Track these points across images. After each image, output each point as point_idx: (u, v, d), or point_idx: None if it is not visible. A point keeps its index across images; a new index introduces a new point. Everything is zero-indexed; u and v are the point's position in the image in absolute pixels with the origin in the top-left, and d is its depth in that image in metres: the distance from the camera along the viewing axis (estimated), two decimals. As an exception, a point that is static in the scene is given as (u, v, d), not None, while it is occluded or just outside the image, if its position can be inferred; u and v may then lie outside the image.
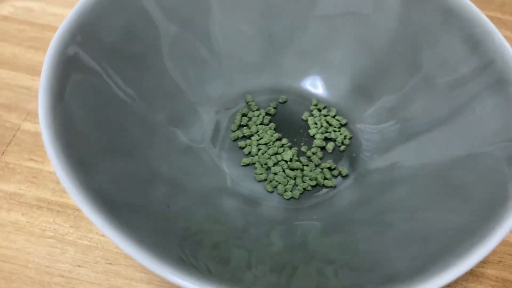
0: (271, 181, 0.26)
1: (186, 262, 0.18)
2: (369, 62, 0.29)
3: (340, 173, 0.27)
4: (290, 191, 0.26)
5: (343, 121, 0.28)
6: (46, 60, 0.21)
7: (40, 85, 0.20)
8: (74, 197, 0.18)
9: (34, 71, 0.30)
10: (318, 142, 0.28)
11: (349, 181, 0.26)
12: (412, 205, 0.22)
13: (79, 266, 0.24)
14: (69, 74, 0.21)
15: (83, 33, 0.22)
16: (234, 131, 0.28)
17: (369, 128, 0.27)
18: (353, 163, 0.27)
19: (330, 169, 0.27)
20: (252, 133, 0.28)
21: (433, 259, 0.18)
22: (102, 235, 0.25)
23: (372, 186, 0.25)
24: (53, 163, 0.18)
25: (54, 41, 0.22)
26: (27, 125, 0.28)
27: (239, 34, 0.29)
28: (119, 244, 0.17)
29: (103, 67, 0.23)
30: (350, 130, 0.28)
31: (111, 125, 0.23)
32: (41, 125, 0.19)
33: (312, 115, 0.29)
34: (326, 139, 0.28)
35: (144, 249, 0.17)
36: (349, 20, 0.29)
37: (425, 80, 0.26)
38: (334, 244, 0.22)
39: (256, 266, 0.20)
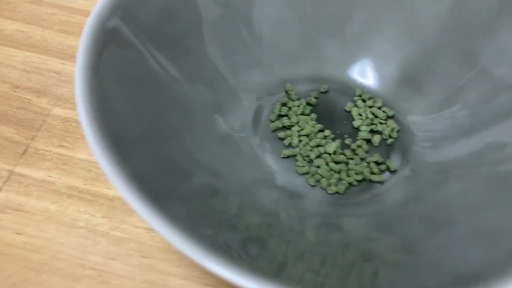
0: (313, 175, 0.25)
1: (230, 253, 0.17)
2: (418, 51, 0.27)
3: (388, 168, 0.25)
4: (335, 186, 0.24)
5: (390, 113, 0.27)
6: (85, 31, 0.20)
7: (77, 60, 0.19)
8: (117, 185, 0.16)
9: (64, 55, 0.29)
10: (363, 134, 0.26)
11: (398, 176, 0.24)
12: (473, 202, 0.21)
13: (112, 258, 0.22)
14: (109, 47, 0.20)
15: (125, 8, 0.21)
16: (273, 121, 0.26)
17: (423, 119, 0.26)
18: (402, 157, 0.25)
19: (377, 163, 0.25)
20: (293, 123, 0.26)
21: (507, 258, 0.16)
22: (136, 227, 0.23)
23: (425, 181, 0.23)
24: (93, 147, 0.17)
25: (94, 12, 0.20)
26: (57, 111, 0.27)
27: (280, 19, 0.27)
28: (166, 235, 0.15)
29: (144, 45, 0.22)
30: (398, 122, 0.27)
31: (149, 108, 0.22)
32: (78, 104, 0.18)
33: (356, 106, 0.27)
34: (372, 132, 0.27)
35: (190, 239, 0.15)
36: (396, 6, 0.27)
37: (481, 71, 0.25)
38: (386, 242, 0.21)
39: (295, 262, 0.19)
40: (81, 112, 0.17)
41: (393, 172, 0.25)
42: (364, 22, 0.27)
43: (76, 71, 0.19)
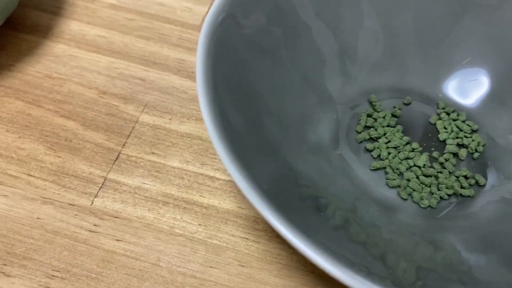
0: (405, 188, 0.25)
1: (352, 263, 0.17)
2: (504, 67, 0.27)
3: (476, 182, 0.25)
4: (427, 199, 0.24)
5: (474, 127, 0.27)
6: (200, 44, 0.20)
7: (197, 76, 0.19)
8: (252, 199, 0.16)
9: (147, 62, 0.30)
10: (451, 148, 0.26)
11: (488, 190, 0.25)
12: None
13: (211, 267, 0.23)
14: (220, 58, 0.21)
15: (232, 18, 0.21)
16: (360, 132, 0.27)
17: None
18: (488, 171, 0.25)
19: (466, 177, 0.25)
20: (380, 135, 0.26)
21: None
22: (232, 235, 0.24)
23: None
24: (225, 163, 0.17)
25: (206, 26, 0.21)
26: (145, 117, 0.27)
27: (368, 30, 0.27)
28: (299, 246, 0.16)
29: (247, 55, 0.22)
30: (484, 136, 0.27)
31: (252, 120, 0.22)
32: (205, 120, 0.18)
33: (440, 118, 0.27)
34: (458, 145, 0.27)
35: (329, 256, 0.16)
36: (483, 21, 0.27)
37: None
38: (490, 259, 0.21)
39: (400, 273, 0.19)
40: (209, 129, 0.18)
41: (482, 186, 0.25)
42: (451, 36, 0.27)
43: (198, 88, 0.19)
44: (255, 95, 0.23)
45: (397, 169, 0.25)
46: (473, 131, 0.27)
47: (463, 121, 0.27)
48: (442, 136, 0.27)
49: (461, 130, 0.27)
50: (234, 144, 0.18)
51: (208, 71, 0.20)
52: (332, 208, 0.21)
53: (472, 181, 0.25)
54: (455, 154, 0.26)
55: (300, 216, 0.19)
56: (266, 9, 0.23)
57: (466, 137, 0.27)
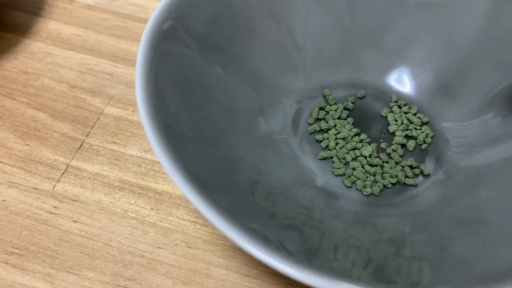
0: (349, 176, 0.26)
1: (270, 242, 0.18)
2: (453, 60, 0.28)
3: (421, 172, 0.26)
4: (370, 187, 0.25)
5: (425, 119, 0.28)
6: (145, 33, 0.22)
7: (137, 61, 0.21)
8: (173, 177, 0.18)
9: (116, 58, 0.31)
10: (398, 139, 0.27)
11: (432, 179, 0.25)
12: (504, 206, 0.22)
13: (159, 247, 0.24)
14: (164, 47, 0.22)
15: (178, 12, 0.23)
16: (311, 124, 0.28)
17: (458, 126, 0.27)
18: (436, 161, 0.26)
19: (411, 167, 0.26)
20: (330, 127, 0.28)
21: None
22: (182, 219, 0.25)
23: (458, 185, 0.24)
24: (152, 143, 0.19)
25: (153, 16, 0.22)
26: (110, 110, 0.29)
27: (321, 28, 0.28)
28: (214, 221, 0.17)
29: (195, 47, 0.24)
30: (433, 128, 0.28)
31: (198, 108, 0.23)
32: (138, 100, 0.20)
33: (392, 111, 0.28)
34: (407, 137, 0.28)
35: (233, 225, 0.17)
36: (433, 16, 0.28)
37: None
38: (418, 239, 0.22)
39: (329, 252, 0.20)
40: (141, 110, 0.19)
41: (426, 176, 0.26)
42: (402, 31, 0.28)
43: (137, 71, 0.20)
44: (202, 88, 0.24)
45: (343, 158, 0.26)
46: (424, 124, 0.28)
47: (414, 114, 0.28)
48: (392, 128, 0.28)
49: (411, 123, 0.28)
50: (167, 131, 0.20)
51: (148, 65, 0.21)
52: (265, 192, 0.22)
53: (417, 171, 0.26)
54: (404, 145, 0.27)
55: (227, 194, 0.20)
56: (214, 7, 0.25)
57: (415, 129, 0.28)
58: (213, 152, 0.22)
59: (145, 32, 0.22)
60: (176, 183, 0.18)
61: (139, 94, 0.20)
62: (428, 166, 0.26)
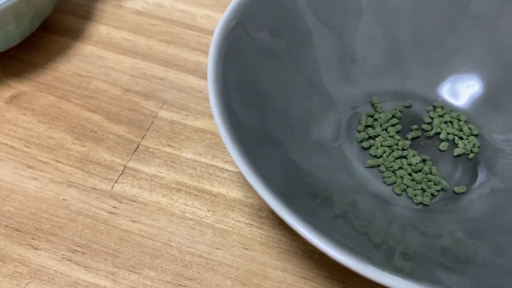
0: (399, 184, 0.26)
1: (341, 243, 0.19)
2: (499, 72, 0.29)
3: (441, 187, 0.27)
4: (420, 196, 0.26)
5: (475, 131, 0.28)
6: (213, 40, 0.23)
7: (208, 69, 0.22)
8: (255, 185, 0.19)
9: (167, 63, 0.32)
10: (442, 145, 0.28)
11: (482, 188, 0.26)
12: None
13: (217, 248, 0.25)
14: (230, 54, 0.23)
15: (242, 22, 0.24)
16: (360, 132, 0.29)
17: (504, 138, 0.27)
18: (487, 170, 0.27)
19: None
20: (377, 133, 0.28)
21: None
22: (238, 221, 0.26)
23: (510, 195, 0.25)
24: (230, 151, 0.19)
25: (219, 26, 0.23)
26: (164, 113, 0.30)
27: (371, 38, 0.29)
28: (298, 229, 0.18)
29: (256, 55, 0.25)
30: (481, 140, 0.28)
31: (260, 114, 0.24)
32: (214, 113, 0.20)
33: (432, 118, 0.29)
34: (454, 145, 0.28)
35: (322, 237, 0.18)
36: (482, 29, 0.29)
37: None
38: (474, 246, 0.22)
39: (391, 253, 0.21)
40: (217, 120, 0.20)
41: (475, 185, 0.27)
42: (451, 43, 0.29)
43: (209, 83, 0.21)
44: (263, 94, 0.25)
45: (391, 167, 0.27)
46: (473, 135, 0.29)
47: (465, 122, 0.29)
48: (441, 136, 0.28)
49: (460, 130, 0.28)
50: (240, 137, 0.20)
51: (218, 72, 0.22)
52: (331, 200, 0.23)
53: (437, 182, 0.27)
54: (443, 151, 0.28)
55: (299, 202, 0.21)
56: (274, 17, 0.26)
57: (462, 138, 0.28)
58: (276, 156, 0.23)
59: (214, 39, 0.22)
60: (257, 190, 0.18)
61: (212, 99, 0.21)
62: (477, 174, 0.27)
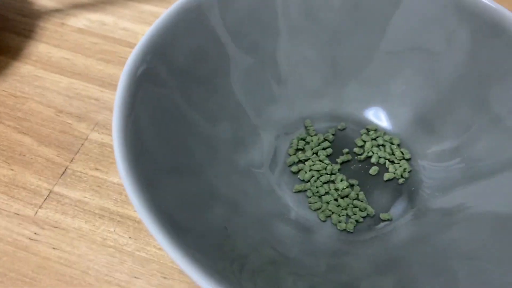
0: (324, 210, 0.26)
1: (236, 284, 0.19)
2: (434, 95, 0.28)
3: (367, 213, 0.26)
4: (345, 223, 0.26)
5: (407, 156, 0.28)
6: (121, 78, 0.22)
7: (116, 100, 0.21)
8: (142, 216, 0.18)
9: (103, 83, 0.32)
10: (373, 170, 0.27)
11: (407, 216, 0.26)
12: (471, 251, 0.22)
13: (135, 277, 0.25)
14: (140, 90, 0.22)
15: (155, 53, 0.23)
16: (291, 155, 0.28)
17: (431, 165, 0.27)
18: (411, 198, 0.27)
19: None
20: (307, 157, 0.28)
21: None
22: (159, 249, 0.25)
23: (431, 224, 0.24)
24: (124, 181, 0.19)
25: (133, 53, 0.23)
26: (95, 135, 0.29)
27: (303, 60, 0.29)
28: (181, 264, 0.17)
29: (171, 86, 0.24)
30: (410, 165, 0.28)
31: (176, 143, 0.24)
32: (114, 138, 0.20)
33: (365, 141, 0.29)
34: (386, 169, 0.28)
35: (202, 270, 0.17)
36: (416, 55, 0.28)
37: (494, 120, 0.26)
38: (388, 283, 0.22)
39: None
40: (116, 150, 0.20)
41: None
42: (384, 65, 0.29)
43: (114, 109, 0.21)
44: (182, 121, 0.24)
45: (317, 192, 0.27)
46: (405, 159, 0.28)
47: (398, 145, 0.28)
48: (372, 160, 0.28)
49: (392, 154, 0.28)
50: (140, 165, 0.20)
51: (127, 98, 0.22)
52: (239, 227, 0.23)
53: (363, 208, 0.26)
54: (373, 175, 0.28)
55: (199, 237, 0.20)
56: (196, 46, 0.25)
57: (393, 162, 0.28)
58: (190, 185, 0.23)
59: (122, 75, 0.22)
60: (145, 222, 0.18)
61: (115, 131, 0.20)
62: (400, 203, 0.26)
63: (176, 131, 0.24)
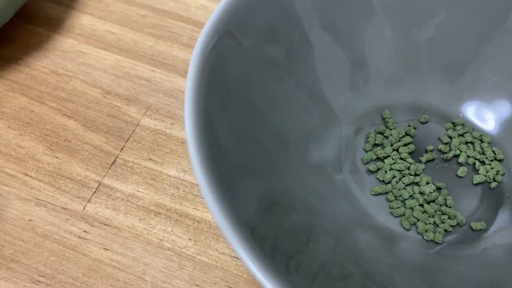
0: (408, 217, 0.23)
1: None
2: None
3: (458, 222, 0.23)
4: (432, 232, 0.23)
5: (500, 156, 0.25)
6: (192, 64, 0.19)
7: (187, 91, 0.18)
8: (227, 234, 0.15)
9: (154, 62, 0.29)
10: (461, 171, 0.24)
11: (505, 226, 0.23)
12: None
13: (196, 285, 0.22)
14: (211, 78, 0.19)
15: (230, 25, 0.20)
16: (368, 151, 0.25)
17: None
18: (504, 204, 0.23)
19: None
20: (386, 154, 0.25)
21: None
22: (222, 253, 0.23)
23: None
24: (204, 192, 0.16)
25: (202, 34, 0.19)
26: (147, 121, 0.26)
27: (385, 41, 0.25)
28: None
29: (246, 64, 0.21)
30: (504, 167, 0.24)
31: (249, 136, 0.21)
32: (188, 135, 0.17)
33: (451, 137, 0.25)
34: (475, 171, 0.25)
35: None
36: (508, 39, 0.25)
37: None
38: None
39: None
40: (192, 156, 0.17)
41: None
42: (477, 53, 0.25)
43: (186, 104, 0.18)
44: (253, 111, 0.21)
45: (400, 195, 0.24)
46: (496, 160, 0.25)
47: (489, 143, 0.25)
48: (460, 159, 0.25)
49: (483, 154, 0.25)
50: (218, 168, 0.17)
51: (198, 88, 0.19)
52: (320, 238, 0.20)
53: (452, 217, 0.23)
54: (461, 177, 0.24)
55: (281, 252, 0.18)
56: (270, 20, 0.22)
57: (485, 163, 0.25)
58: (265, 189, 0.20)
59: (193, 61, 0.19)
60: (230, 241, 0.15)
61: (188, 129, 0.17)
62: (502, 209, 0.23)
63: (247, 124, 0.21)
